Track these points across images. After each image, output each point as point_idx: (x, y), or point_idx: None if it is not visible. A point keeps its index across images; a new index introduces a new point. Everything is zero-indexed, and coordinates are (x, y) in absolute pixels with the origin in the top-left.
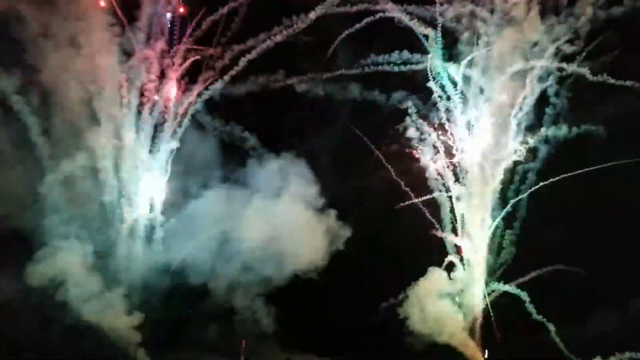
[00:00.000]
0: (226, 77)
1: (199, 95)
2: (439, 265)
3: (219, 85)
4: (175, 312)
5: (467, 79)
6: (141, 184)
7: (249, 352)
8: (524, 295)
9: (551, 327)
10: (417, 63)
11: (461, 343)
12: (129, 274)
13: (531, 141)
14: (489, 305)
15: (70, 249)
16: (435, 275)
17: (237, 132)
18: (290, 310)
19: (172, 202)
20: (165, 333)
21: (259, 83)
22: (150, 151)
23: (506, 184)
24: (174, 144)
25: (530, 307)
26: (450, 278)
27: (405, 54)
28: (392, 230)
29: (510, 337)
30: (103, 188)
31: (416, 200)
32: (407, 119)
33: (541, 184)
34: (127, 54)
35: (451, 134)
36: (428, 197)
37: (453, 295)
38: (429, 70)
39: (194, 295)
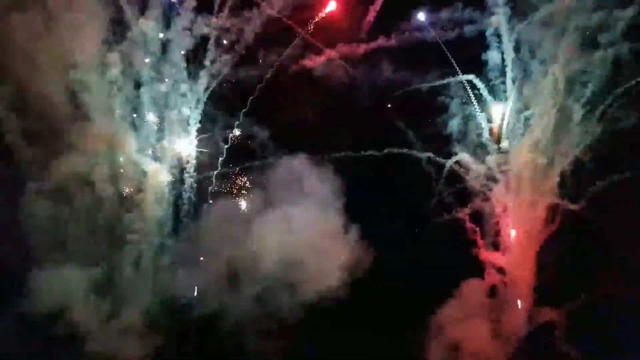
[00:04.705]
0: (228, 57)
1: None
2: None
3: (225, 67)
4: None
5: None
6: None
7: None
8: (558, 323)
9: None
10: (473, 23)
11: None
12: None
13: (597, 131)
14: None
15: (62, 277)
16: (471, 290)
17: (246, 125)
18: (303, 345)
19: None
20: None
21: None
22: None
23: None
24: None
25: (561, 336)
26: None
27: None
28: (425, 248)
29: None
30: (99, 202)
31: (458, 215)
32: (453, 105)
33: (599, 184)
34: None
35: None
36: (470, 210)
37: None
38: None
39: (200, 329)
